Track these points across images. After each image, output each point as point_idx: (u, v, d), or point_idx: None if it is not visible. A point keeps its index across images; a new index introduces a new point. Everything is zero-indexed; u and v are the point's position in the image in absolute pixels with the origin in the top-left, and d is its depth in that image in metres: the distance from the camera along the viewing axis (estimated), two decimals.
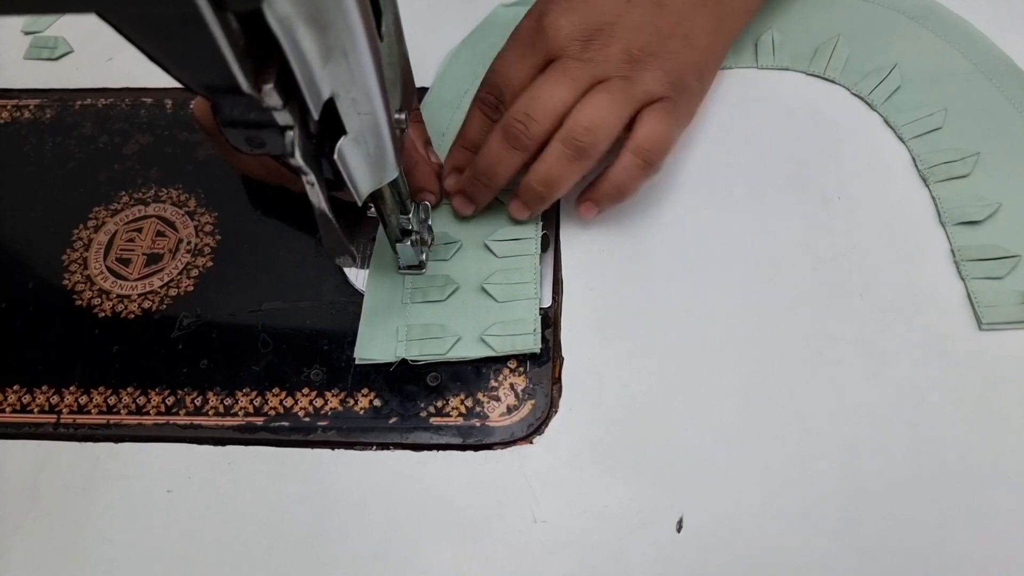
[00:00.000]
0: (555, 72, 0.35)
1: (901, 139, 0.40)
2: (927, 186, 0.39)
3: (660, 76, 0.35)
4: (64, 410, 0.36)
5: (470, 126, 0.38)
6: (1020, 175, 0.38)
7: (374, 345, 0.36)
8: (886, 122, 0.41)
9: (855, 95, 0.42)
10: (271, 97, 0.20)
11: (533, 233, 0.38)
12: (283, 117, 0.22)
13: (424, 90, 0.43)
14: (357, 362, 0.35)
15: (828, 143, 0.40)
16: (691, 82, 0.37)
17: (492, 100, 0.37)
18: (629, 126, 0.36)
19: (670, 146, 0.36)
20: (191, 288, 0.39)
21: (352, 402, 0.35)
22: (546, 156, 0.35)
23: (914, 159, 0.40)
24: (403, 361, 0.35)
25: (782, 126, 0.41)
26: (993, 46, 0.42)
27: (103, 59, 0.47)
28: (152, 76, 0.45)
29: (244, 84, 0.20)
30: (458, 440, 0.34)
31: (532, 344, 0.35)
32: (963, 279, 0.36)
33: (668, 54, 0.36)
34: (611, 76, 0.35)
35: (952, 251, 0.37)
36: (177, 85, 0.46)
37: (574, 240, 0.39)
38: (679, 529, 0.31)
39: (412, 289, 0.37)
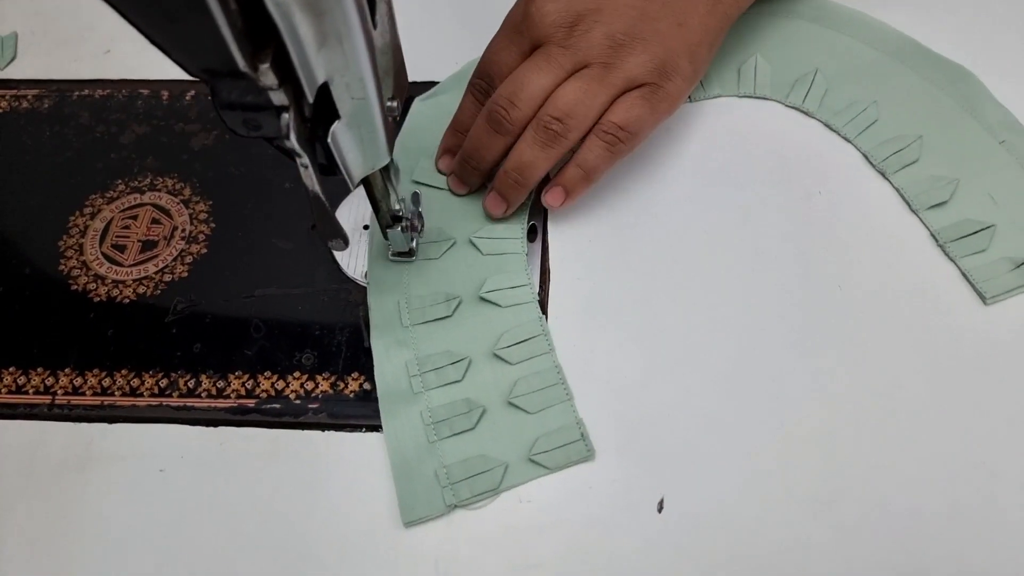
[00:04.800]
0: (538, 58, 0.35)
1: (847, 139, 0.41)
2: (887, 179, 0.40)
3: (645, 60, 0.35)
4: (59, 391, 0.36)
5: (462, 110, 0.39)
6: (964, 147, 0.40)
7: (418, 502, 0.33)
8: (828, 126, 0.42)
9: (791, 107, 0.42)
10: (267, 76, 0.21)
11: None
12: (278, 97, 0.23)
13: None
14: (406, 526, 0.32)
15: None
16: (682, 64, 0.36)
17: (483, 85, 0.38)
18: None
19: (642, 129, 0.36)
20: (185, 274, 0.39)
21: (342, 385, 0.36)
22: (519, 143, 0.36)
23: (865, 156, 0.40)
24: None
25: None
26: (892, 30, 0.43)
27: (101, 51, 0.48)
28: (149, 68, 0.47)
29: (241, 63, 0.20)
30: None
31: (585, 452, 0.33)
32: (952, 260, 0.37)
33: (655, 37, 0.35)
34: (592, 62, 0.35)
35: (933, 235, 0.38)
36: (174, 76, 0.47)
37: (561, 230, 0.40)
38: (660, 510, 0.32)
39: (435, 424, 0.34)
